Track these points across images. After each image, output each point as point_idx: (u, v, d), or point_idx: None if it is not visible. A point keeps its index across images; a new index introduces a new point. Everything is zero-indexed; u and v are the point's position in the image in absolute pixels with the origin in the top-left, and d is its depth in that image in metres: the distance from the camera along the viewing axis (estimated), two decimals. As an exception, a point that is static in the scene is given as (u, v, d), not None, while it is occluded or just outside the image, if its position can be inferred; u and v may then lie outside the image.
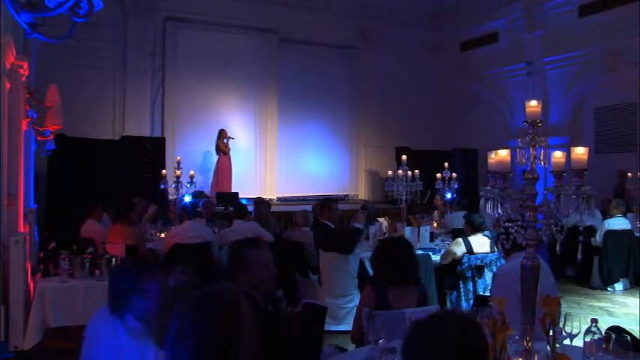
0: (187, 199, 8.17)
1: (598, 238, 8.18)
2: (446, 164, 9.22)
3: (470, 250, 5.88)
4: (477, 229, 5.96)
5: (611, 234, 8.09)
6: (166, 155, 10.68)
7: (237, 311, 1.77)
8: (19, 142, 5.56)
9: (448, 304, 5.99)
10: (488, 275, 5.77)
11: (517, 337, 2.48)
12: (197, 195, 9.12)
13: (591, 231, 8.28)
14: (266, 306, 2.86)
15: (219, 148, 11.66)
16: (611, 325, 3.07)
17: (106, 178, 9.21)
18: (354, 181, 13.87)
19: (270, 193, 12.15)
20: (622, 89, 10.49)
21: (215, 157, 11.82)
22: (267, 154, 12.52)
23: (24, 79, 5.70)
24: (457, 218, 7.89)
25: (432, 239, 7.21)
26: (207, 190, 11.20)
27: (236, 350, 1.73)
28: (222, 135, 11.70)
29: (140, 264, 2.61)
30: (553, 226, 2.41)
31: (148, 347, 2.29)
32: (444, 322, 1.62)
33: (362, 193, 13.86)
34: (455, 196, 9.00)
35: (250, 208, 8.02)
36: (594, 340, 2.49)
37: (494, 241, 5.75)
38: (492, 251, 5.88)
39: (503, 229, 2.44)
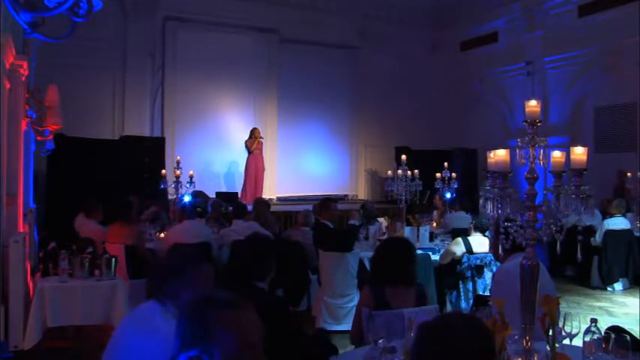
0: (187, 198, 8.17)
1: (598, 238, 8.19)
2: (445, 164, 9.22)
3: (469, 249, 5.88)
4: (479, 229, 5.97)
5: (610, 234, 8.09)
6: (166, 155, 10.69)
7: (238, 315, 1.76)
8: (18, 142, 5.56)
9: (448, 304, 5.99)
10: (487, 275, 5.77)
11: (517, 337, 2.48)
12: (196, 195, 9.12)
13: (591, 231, 8.29)
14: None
15: (246, 147, 11.82)
16: (610, 324, 3.07)
17: (106, 178, 9.20)
18: (354, 180, 13.88)
19: (270, 193, 12.15)
20: (622, 89, 10.49)
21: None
22: (267, 154, 12.51)
23: (23, 78, 5.70)
24: (457, 218, 7.90)
25: (431, 239, 7.21)
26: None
27: (239, 356, 1.73)
28: (251, 134, 11.82)
29: (181, 250, 2.62)
30: (552, 226, 2.41)
31: None
32: (453, 323, 1.62)
33: (362, 192, 13.87)
34: (454, 195, 9.01)
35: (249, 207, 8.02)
36: (594, 339, 2.49)
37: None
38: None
39: (502, 229, 2.44)
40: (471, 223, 6.24)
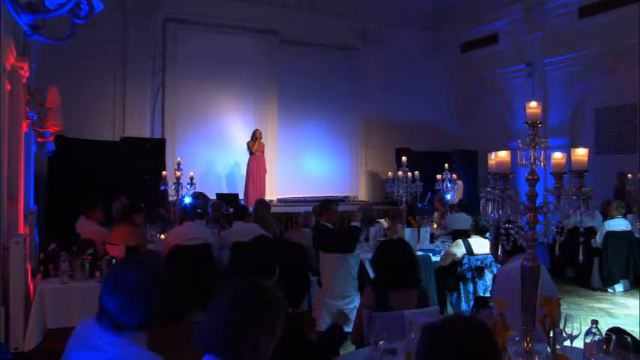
0: (187, 200, 8.18)
1: (598, 240, 8.19)
2: (446, 165, 9.22)
3: (470, 251, 5.87)
4: (479, 231, 5.95)
5: (611, 235, 8.09)
6: (166, 156, 10.70)
7: (277, 304, 1.90)
8: (19, 144, 5.57)
9: (448, 306, 5.98)
10: (488, 276, 5.77)
11: (517, 339, 2.48)
12: (197, 196, 9.12)
13: (591, 232, 8.29)
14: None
15: (248, 148, 11.80)
16: (611, 326, 3.06)
17: (106, 180, 9.20)
18: (355, 182, 13.87)
19: (270, 195, 12.15)
20: (622, 90, 10.49)
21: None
22: (268, 156, 12.50)
23: (24, 80, 5.71)
24: (457, 219, 7.91)
25: (432, 240, 7.21)
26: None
27: (267, 338, 1.85)
28: (253, 135, 11.80)
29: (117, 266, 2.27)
30: (553, 228, 2.41)
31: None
32: (457, 326, 1.63)
33: (362, 194, 13.86)
34: (454, 197, 9.02)
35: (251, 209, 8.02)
36: (595, 341, 2.49)
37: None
38: (492, 252, 5.87)
39: (503, 230, 2.44)
40: (471, 224, 6.23)
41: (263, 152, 11.85)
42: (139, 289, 1.97)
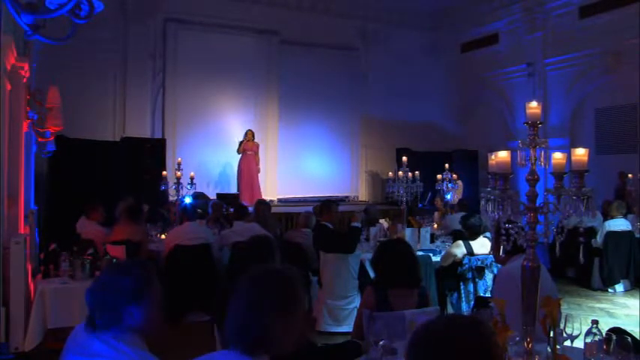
0: (187, 200, 8.18)
1: (599, 240, 8.19)
2: (446, 165, 9.22)
3: (470, 251, 5.87)
4: (476, 233, 5.93)
5: (611, 235, 8.09)
6: (167, 156, 10.69)
7: (301, 293, 1.96)
8: (19, 144, 5.57)
9: (449, 306, 5.98)
10: (488, 276, 5.76)
11: (518, 339, 2.48)
12: (197, 196, 9.13)
13: (592, 232, 8.29)
14: None
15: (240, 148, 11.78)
16: (611, 326, 3.06)
17: (107, 180, 9.20)
18: (355, 182, 13.87)
19: (270, 195, 12.15)
20: (622, 90, 10.49)
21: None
22: (268, 156, 12.51)
23: (25, 80, 5.70)
24: (457, 219, 7.90)
25: (432, 240, 7.21)
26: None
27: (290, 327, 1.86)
28: (245, 135, 11.78)
29: (123, 267, 2.20)
30: (553, 228, 2.41)
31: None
32: (450, 324, 1.61)
33: (363, 194, 13.86)
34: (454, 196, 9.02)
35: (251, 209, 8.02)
36: (595, 341, 2.49)
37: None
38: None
39: (503, 230, 2.44)
40: (466, 230, 6.17)
41: (256, 152, 11.78)
42: (106, 290, 1.99)
